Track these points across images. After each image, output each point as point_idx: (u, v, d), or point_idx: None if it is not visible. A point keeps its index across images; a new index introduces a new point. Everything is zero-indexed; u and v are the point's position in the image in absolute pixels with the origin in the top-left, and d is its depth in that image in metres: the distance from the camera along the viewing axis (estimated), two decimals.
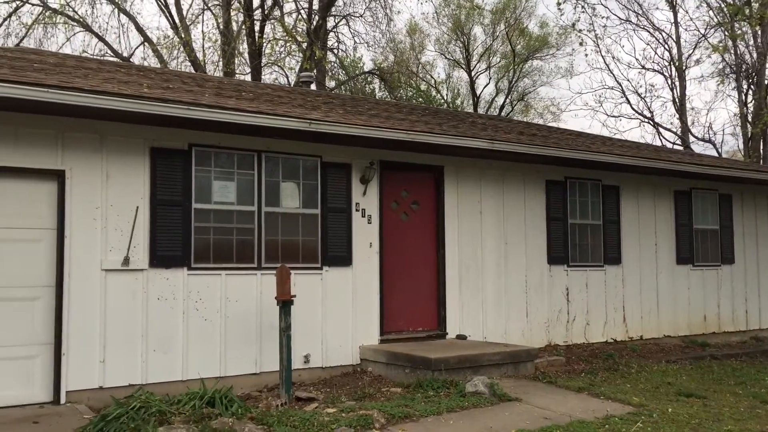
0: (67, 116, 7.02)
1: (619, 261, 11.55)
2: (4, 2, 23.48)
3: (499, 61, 34.95)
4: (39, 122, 6.95)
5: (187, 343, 7.64)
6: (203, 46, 22.32)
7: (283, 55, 23.52)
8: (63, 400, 6.91)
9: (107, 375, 7.17)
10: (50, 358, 6.98)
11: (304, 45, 22.39)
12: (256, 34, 21.14)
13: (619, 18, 34.45)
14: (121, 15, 22.63)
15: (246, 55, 22.38)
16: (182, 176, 7.72)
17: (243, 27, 21.63)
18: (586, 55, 36.98)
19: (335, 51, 25.17)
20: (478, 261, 10.04)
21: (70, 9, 21.75)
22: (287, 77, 24.69)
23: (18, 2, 21.04)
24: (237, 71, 22.19)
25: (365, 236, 9.02)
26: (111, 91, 6.92)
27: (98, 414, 6.54)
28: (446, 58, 35.13)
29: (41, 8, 21.34)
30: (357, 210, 8.95)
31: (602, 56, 38.56)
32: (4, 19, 20.85)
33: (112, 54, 22.01)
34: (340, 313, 8.73)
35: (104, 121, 7.24)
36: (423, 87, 33.91)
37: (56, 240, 7.06)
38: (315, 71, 18.64)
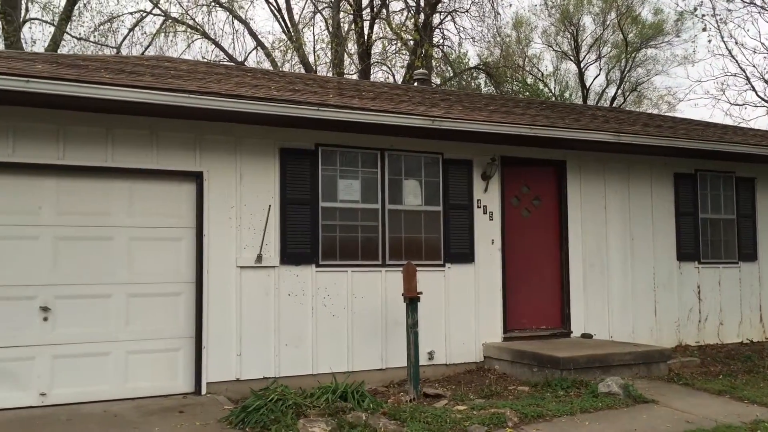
0: (204, 120, 7.36)
1: (755, 257, 10.87)
2: (129, 13, 25.04)
3: (610, 51, 33.74)
4: (179, 126, 7.32)
5: (316, 338, 7.83)
6: (314, 48, 22.85)
7: (391, 54, 23.70)
8: (204, 391, 7.26)
9: (243, 368, 7.47)
10: (191, 351, 7.34)
11: (411, 43, 22.49)
12: (365, 34, 21.40)
13: (743, 1, 32.34)
14: (235, 21, 23.58)
15: (355, 55, 22.71)
16: (309, 175, 7.92)
17: (352, 28, 21.96)
18: (709, 41, 34.93)
19: (441, 47, 25.11)
20: (603, 257, 9.72)
21: (189, 18, 22.87)
22: (393, 76, 24.87)
23: (142, 13, 22.34)
24: (346, 72, 22.56)
25: (487, 233, 8.93)
26: (245, 94, 7.20)
27: (237, 405, 6.84)
28: (554, 50, 34.30)
29: (163, 18, 22.54)
30: (478, 207, 8.87)
31: (724, 42, 36.33)
32: (129, 30, 22.18)
33: (227, 59, 22.94)
34: (462, 311, 8.69)
35: (238, 124, 7.54)
36: (529, 81, 33.25)
37: (195, 238, 7.42)
38: (423, 69, 18.63)
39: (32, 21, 19.70)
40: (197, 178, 7.43)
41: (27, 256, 6.76)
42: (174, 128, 7.31)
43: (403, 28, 21.10)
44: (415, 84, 13.09)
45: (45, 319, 6.78)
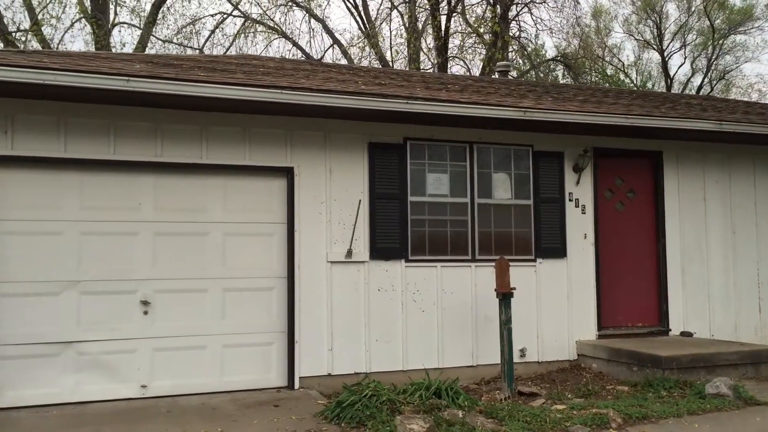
0: (294, 115, 7.39)
1: None
2: (210, 15, 25.67)
3: (695, 39, 32.35)
4: (270, 122, 7.38)
5: (406, 334, 7.76)
6: (391, 44, 22.82)
7: (469, 47, 23.43)
8: (297, 385, 7.29)
9: (335, 363, 7.46)
10: (284, 345, 7.39)
11: (488, 36, 22.16)
12: (442, 28, 21.21)
13: None
14: (311, 20, 23.82)
15: (432, 51, 22.56)
16: (398, 170, 7.84)
17: (429, 22, 21.81)
18: None
19: (518, 39, 24.64)
20: (703, 252, 9.25)
21: (268, 18, 23.23)
22: (470, 71, 24.57)
23: (223, 14, 22.85)
24: (422, 67, 22.43)
25: (579, 227, 8.64)
26: (336, 89, 7.19)
27: (329, 400, 6.85)
28: (635, 39, 33.16)
29: (243, 19, 22.98)
30: (570, 200, 8.59)
31: None
32: (212, 31, 22.73)
33: (305, 58, 23.18)
34: (554, 307, 8.44)
35: (327, 119, 7.54)
36: (609, 71, 32.24)
37: (287, 233, 7.46)
38: (504, 61, 18.29)
39: (120, 25, 20.44)
40: (288, 173, 7.47)
41: (128, 251, 6.95)
42: (265, 124, 7.37)
43: (482, 21, 20.77)
44: (497, 76, 12.83)
45: (145, 312, 6.95)
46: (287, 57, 22.76)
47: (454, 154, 8.12)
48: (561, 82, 26.82)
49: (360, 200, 7.61)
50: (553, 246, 8.45)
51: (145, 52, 18.38)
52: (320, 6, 23.36)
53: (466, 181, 8.15)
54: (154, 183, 7.06)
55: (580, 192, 8.65)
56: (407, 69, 21.69)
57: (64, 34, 18.89)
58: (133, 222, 6.98)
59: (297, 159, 7.49)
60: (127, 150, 6.90)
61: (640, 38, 32.89)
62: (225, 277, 7.25)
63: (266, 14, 23.08)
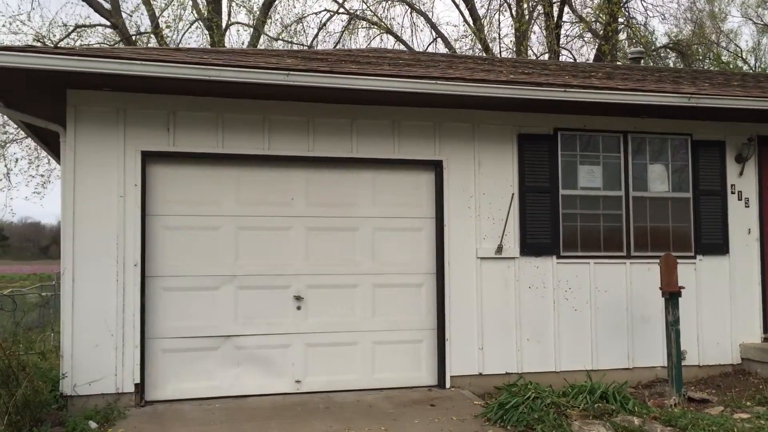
0: (443, 107, 7.18)
1: None
2: (314, 13, 25.93)
3: None
4: (418, 115, 7.20)
5: (558, 334, 7.41)
6: (499, 35, 22.34)
7: (577, 37, 22.65)
8: (448, 384, 7.09)
9: (486, 362, 7.22)
10: (433, 343, 7.20)
11: (597, 24, 21.34)
12: (554, 16, 20.56)
13: None
14: (413, 14, 23.62)
15: (542, 44, 21.93)
16: (548, 162, 7.50)
17: (539, 10, 21.20)
18: None
19: (629, 26, 23.60)
20: None
21: (372, 14, 23.19)
22: (574, 59, 23.74)
23: (328, 12, 22.99)
24: (530, 57, 21.82)
25: (742, 221, 8.03)
26: (489, 78, 6.93)
27: (485, 401, 6.62)
28: (754, 23, 31.14)
29: (348, 17, 23.04)
30: (732, 192, 7.99)
31: None
32: (320, 27, 22.87)
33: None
34: (715, 307, 7.87)
35: (476, 110, 7.30)
36: (724, 58, 30.44)
37: (435, 228, 7.26)
38: (605, 51, 17.54)
39: (235, 24, 20.89)
40: (436, 166, 7.27)
41: (281, 246, 6.94)
42: (413, 117, 7.20)
43: (597, 9, 19.99)
44: (631, 63, 12.21)
45: (298, 308, 6.92)
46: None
47: (607, 145, 7.70)
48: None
49: (513, 194, 7.31)
50: (714, 242, 7.88)
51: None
52: (423, 1, 23.05)
53: (620, 173, 7.71)
54: (306, 177, 7.02)
55: (743, 184, 8.03)
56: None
57: (182, 36, 19.47)
58: (286, 217, 6.96)
59: (445, 152, 7.28)
60: (280, 145, 6.88)
61: (760, 22, 30.87)
62: (375, 272, 7.13)
63: (370, 10, 23.05)
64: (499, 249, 7.30)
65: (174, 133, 6.63)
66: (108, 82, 6.15)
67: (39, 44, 21.00)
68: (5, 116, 7.06)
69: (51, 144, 9.12)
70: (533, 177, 7.44)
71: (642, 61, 12.18)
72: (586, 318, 7.51)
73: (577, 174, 7.60)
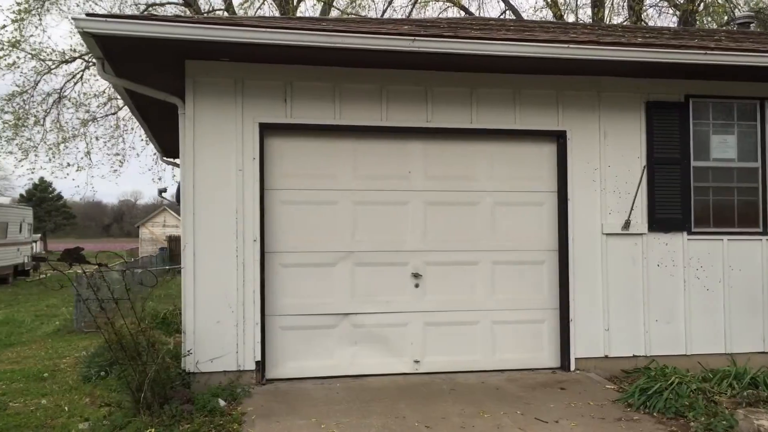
0: (566, 74, 6.77)
1: None
2: None
3: None
4: (540, 83, 6.81)
5: (689, 314, 6.97)
6: (576, 6, 21.50)
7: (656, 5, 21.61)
8: (572, 366, 6.75)
9: (611, 344, 6.84)
10: (555, 323, 6.87)
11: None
12: None
13: None
14: None
15: (618, 10, 21.00)
16: (679, 132, 7.01)
17: None
18: None
19: None
20: None
21: None
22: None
23: None
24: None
25: None
26: (622, 42, 6.47)
27: (617, 385, 6.27)
28: None
29: None
30: None
31: None
32: (388, 3, 22.46)
33: None
34: None
35: (600, 77, 6.86)
36: None
37: (557, 203, 6.89)
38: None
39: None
40: (558, 137, 6.87)
41: (399, 221, 6.69)
42: (534, 85, 6.80)
43: None
44: (739, 29, 11.43)
45: (416, 285, 6.67)
46: None
47: (742, 113, 7.15)
48: None
49: (644, 166, 6.86)
50: None
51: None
52: None
53: (756, 144, 7.16)
54: (423, 150, 6.73)
55: None
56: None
57: (255, 12, 19.34)
58: (404, 191, 6.70)
59: (568, 122, 6.87)
60: (397, 115, 6.60)
61: None
62: (494, 249, 6.82)
63: None
64: (626, 224, 6.87)
65: (291, 105, 6.42)
66: (228, 51, 5.96)
67: None
68: (112, 87, 6.96)
69: (150, 120, 9.09)
70: (663, 148, 6.97)
71: (752, 26, 11.38)
72: (719, 298, 7.04)
73: (710, 144, 7.09)
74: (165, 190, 12.67)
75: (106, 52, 5.82)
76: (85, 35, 5.41)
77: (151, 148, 22.04)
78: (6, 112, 20.61)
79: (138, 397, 5.49)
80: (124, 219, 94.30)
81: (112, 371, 7.43)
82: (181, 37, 5.62)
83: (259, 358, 6.26)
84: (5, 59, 19.12)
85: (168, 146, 11.99)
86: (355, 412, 5.48)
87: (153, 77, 6.40)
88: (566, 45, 6.14)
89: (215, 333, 6.16)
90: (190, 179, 6.20)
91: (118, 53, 5.88)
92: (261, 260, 6.30)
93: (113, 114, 20.50)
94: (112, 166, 21.46)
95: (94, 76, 25.29)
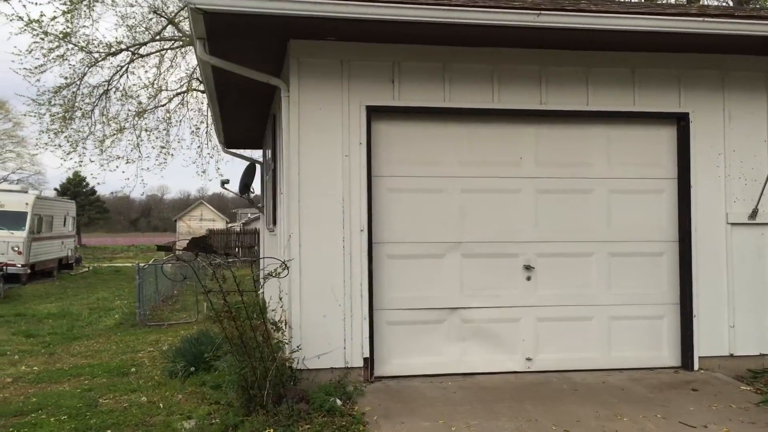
0: (688, 51, 6.31)
1: None
2: None
3: None
4: (659, 61, 6.36)
5: None
6: None
7: None
8: (695, 366, 6.31)
9: (737, 342, 6.39)
10: (676, 319, 6.42)
11: None
12: None
13: None
14: None
15: None
16: None
17: None
18: None
19: None
20: None
21: None
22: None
23: None
24: None
25: None
26: (761, 14, 5.98)
27: (750, 386, 5.83)
28: None
29: None
30: None
31: None
32: None
33: None
34: None
35: (725, 55, 6.39)
36: None
37: (677, 190, 6.44)
38: None
39: None
40: (680, 120, 6.42)
41: (509, 210, 6.29)
42: (653, 63, 6.35)
43: None
44: None
45: (528, 278, 6.27)
46: None
47: None
48: None
49: None
50: None
51: None
52: None
53: None
54: (535, 134, 6.32)
55: None
56: None
57: None
58: (514, 178, 6.29)
59: (690, 103, 6.41)
60: (509, 98, 6.19)
61: None
62: (610, 240, 6.39)
63: None
64: (754, 213, 6.40)
65: (399, 86, 6.04)
66: (336, 29, 5.60)
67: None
68: (200, 70, 6.63)
69: (225, 107, 8.80)
70: None
71: None
72: None
73: None
74: (228, 182, 12.40)
75: (209, 30, 5.49)
76: (195, 11, 5.08)
77: (194, 142, 21.93)
78: (54, 105, 20.57)
79: (252, 394, 5.18)
80: (152, 213, 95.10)
81: (199, 367, 7.16)
82: (289, 13, 5.24)
83: (367, 355, 5.92)
84: (56, 51, 19.04)
85: (233, 137, 11.73)
86: (480, 414, 5.10)
87: (252, 59, 6.07)
88: (700, 18, 5.68)
89: (322, 328, 5.82)
90: (295, 165, 5.86)
91: (220, 32, 5.55)
92: (368, 251, 5.94)
93: (162, 106, 20.34)
94: (156, 158, 21.31)
95: (143, 67, 25.23)
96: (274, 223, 8.18)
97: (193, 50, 22.39)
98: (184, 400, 6.40)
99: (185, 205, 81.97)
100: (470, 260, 6.22)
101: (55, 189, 52.22)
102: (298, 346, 5.62)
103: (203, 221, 41.68)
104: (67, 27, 19.06)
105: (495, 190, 6.26)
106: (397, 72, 6.04)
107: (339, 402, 5.24)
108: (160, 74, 20.71)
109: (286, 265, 5.31)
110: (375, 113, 6.01)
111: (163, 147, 21.46)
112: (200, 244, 6.02)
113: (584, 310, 6.33)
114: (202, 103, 22.32)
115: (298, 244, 5.82)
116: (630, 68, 6.33)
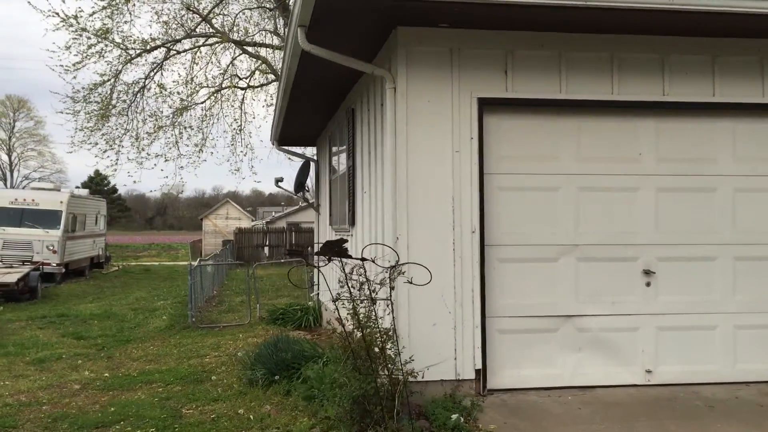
0: None
1: None
2: None
3: None
4: None
5: None
6: None
7: None
8: None
9: None
10: None
11: None
12: None
13: None
14: None
15: None
16: None
17: None
18: None
19: None
20: None
21: None
22: None
23: None
24: None
25: None
26: None
27: None
28: None
29: None
30: None
31: None
32: None
33: None
34: None
35: None
36: None
37: None
38: None
39: None
40: None
41: (626, 210, 5.83)
42: None
43: None
44: None
45: (647, 284, 5.81)
46: None
47: None
48: None
49: None
50: None
51: None
52: None
53: None
54: (656, 128, 5.85)
55: None
56: None
57: None
58: (632, 176, 5.83)
59: None
60: (629, 89, 5.73)
61: None
62: (735, 242, 5.91)
63: None
64: None
65: (512, 77, 5.60)
66: (450, 13, 5.15)
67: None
68: (287, 60, 6.21)
69: (298, 100, 8.41)
70: None
71: None
72: None
73: None
74: (281, 180, 12.02)
75: (314, 17, 5.07)
76: None
77: (231, 139, 21.60)
78: (90, 102, 20.31)
79: (368, 409, 4.76)
80: (167, 212, 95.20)
81: (281, 375, 6.76)
82: None
83: (479, 366, 5.48)
84: (94, 47, 18.77)
85: (286, 134, 11.33)
86: None
87: (349, 49, 5.64)
88: None
89: (431, 337, 5.39)
90: (403, 162, 5.43)
91: (324, 19, 5.13)
92: (480, 254, 5.51)
93: (201, 103, 20.01)
94: (190, 157, 20.90)
95: (178, 63, 24.95)
96: (352, 224, 7.76)
97: (226, 48, 22.11)
98: (275, 411, 6.01)
99: (200, 203, 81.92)
100: (586, 264, 5.76)
101: (76, 187, 52.39)
102: (410, 357, 5.17)
103: (229, 219, 41.38)
104: (104, 25, 18.78)
105: (612, 188, 5.81)
106: (511, 61, 5.59)
107: (460, 418, 4.81)
108: (199, 70, 20.35)
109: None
110: (486, 105, 5.57)
111: (196, 145, 21.16)
112: (334, 248, 5.60)
113: (707, 318, 5.86)
114: (234, 101, 22.01)
115: (405, 246, 5.40)
116: (758, 56, 5.85)
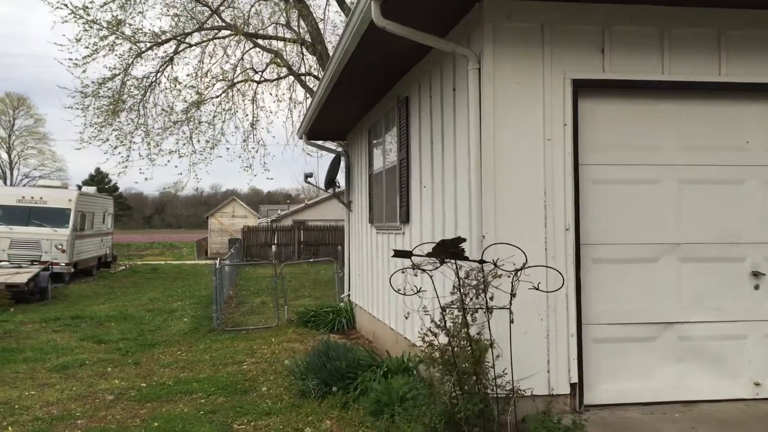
0: None
1: None
2: None
3: None
4: None
5: None
6: None
7: None
8: None
9: None
10: None
11: None
12: None
13: None
14: None
15: None
16: None
17: None
18: None
19: None
20: None
21: None
22: None
23: None
24: None
25: None
26: None
27: None
28: None
29: None
30: None
31: None
32: None
33: None
34: None
35: None
36: None
37: None
38: None
39: None
40: None
41: (731, 205, 5.25)
42: None
43: None
44: None
45: (756, 287, 5.23)
46: None
47: None
48: None
49: None
50: None
51: None
52: None
53: None
54: (766, 113, 5.26)
55: None
56: None
57: None
58: (738, 167, 5.25)
59: None
60: (739, 70, 5.15)
61: None
62: None
63: None
64: None
65: (609, 56, 5.01)
66: None
67: None
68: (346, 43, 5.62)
69: (342, 86, 7.80)
70: None
71: None
72: None
73: None
74: (311, 175, 11.45)
75: None
76: None
77: (243, 135, 20.96)
78: (101, 97, 19.68)
79: (463, 430, 4.18)
80: (166, 210, 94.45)
81: (337, 385, 6.18)
82: None
83: (575, 380, 4.90)
84: (105, 39, 18.14)
85: (320, 127, 10.73)
86: None
87: (425, 26, 5.04)
88: None
89: (521, 347, 4.79)
90: (490, 153, 4.84)
91: None
92: (576, 254, 4.92)
93: (217, 97, 19.38)
94: (202, 152, 20.18)
95: (188, 57, 24.21)
96: (405, 221, 7.17)
97: (237, 41, 21.45)
98: (337, 428, 5.44)
99: (198, 201, 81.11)
100: (688, 265, 5.18)
101: (77, 185, 51.77)
102: (504, 371, 4.59)
103: (235, 218, 40.75)
104: (114, 17, 18.15)
105: (716, 181, 5.23)
106: (608, 38, 5.00)
107: None
108: (213, 63, 19.73)
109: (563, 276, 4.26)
110: (581, 88, 4.98)
111: (207, 141, 20.50)
112: (449, 249, 5.04)
113: None
114: (247, 93, 21.36)
115: (493, 246, 4.80)
116: None
